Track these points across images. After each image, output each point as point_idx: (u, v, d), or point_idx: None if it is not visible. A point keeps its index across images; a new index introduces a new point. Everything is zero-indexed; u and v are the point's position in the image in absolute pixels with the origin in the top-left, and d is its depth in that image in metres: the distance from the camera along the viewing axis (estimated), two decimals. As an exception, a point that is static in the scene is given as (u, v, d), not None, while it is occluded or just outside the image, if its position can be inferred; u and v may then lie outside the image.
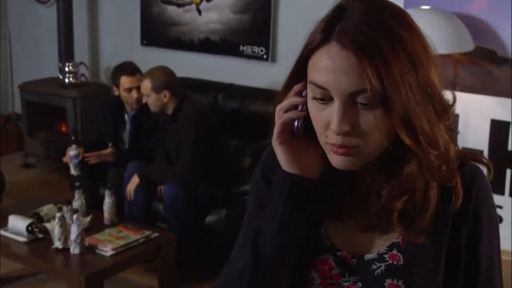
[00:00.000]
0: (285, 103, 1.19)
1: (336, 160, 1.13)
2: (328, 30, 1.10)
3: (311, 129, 1.16)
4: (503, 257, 4.19)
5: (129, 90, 4.58)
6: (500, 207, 4.32)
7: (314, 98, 1.13)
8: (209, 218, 4.25)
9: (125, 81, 4.58)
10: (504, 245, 4.56)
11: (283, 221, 1.19)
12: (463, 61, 4.27)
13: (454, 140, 1.20)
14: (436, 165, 1.12)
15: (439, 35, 3.87)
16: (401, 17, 1.11)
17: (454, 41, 3.95)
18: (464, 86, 4.32)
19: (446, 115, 1.14)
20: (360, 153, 1.11)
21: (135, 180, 4.30)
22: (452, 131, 1.19)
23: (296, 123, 1.18)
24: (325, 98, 1.11)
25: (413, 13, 3.99)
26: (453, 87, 4.32)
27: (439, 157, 1.12)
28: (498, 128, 4.27)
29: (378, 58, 1.05)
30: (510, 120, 4.22)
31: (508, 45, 4.13)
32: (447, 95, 1.18)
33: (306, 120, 1.16)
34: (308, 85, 1.14)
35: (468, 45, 4.00)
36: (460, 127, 4.37)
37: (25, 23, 6.66)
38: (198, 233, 4.24)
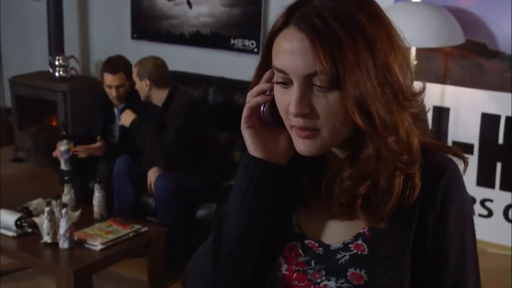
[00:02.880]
0: (254, 89, 1.22)
1: (299, 144, 1.15)
2: (289, 15, 1.13)
3: (279, 117, 1.18)
4: (492, 250, 4.19)
5: (109, 87, 4.57)
6: (491, 200, 4.33)
7: (277, 82, 1.15)
8: (199, 212, 4.25)
9: (107, 78, 4.56)
10: (495, 238, 4.60)
11: (246, 204, 1.20)
12: (454, 55, 4.28)
13: (424, 129, 1.21)
14: (395, 151, 1.13)
15: (429, 29, 3.88)
16: (364, 4, 1.13)
17: (445, 34, 3.95)
18: (455, 79, 4.32)
19: (408, 103, 1.14)
20: (321, 136, 1.13)
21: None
22: (420, 119, 1.19)
23: (262, 108, 1.20)
24: (287, 82, 1.13)
25: (403, 7, 3.99)
26: (444, 80, 4.33)
27: (398, 143, 1.13)
28: (488, 121, 4.28)
29: (332, 40, 1.07)
30: (501, 114, 4.23)
31: (499, 38, 4.13)
32: (417, 85, 1.18)
33: (275, 106, 1.18)
34: (274, 70, 1.16)
35: (459, 38, 3.99)
36: (451, 120, 4.39)
37: (15, 17, 6.63)
38: (189, 227, 4.23)
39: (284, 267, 1.24)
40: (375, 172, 1.15)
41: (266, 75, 1.20)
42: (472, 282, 1.23)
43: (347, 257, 1.20)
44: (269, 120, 1.20)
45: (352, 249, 1.20)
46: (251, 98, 1.21)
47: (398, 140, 1.12)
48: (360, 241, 1.20)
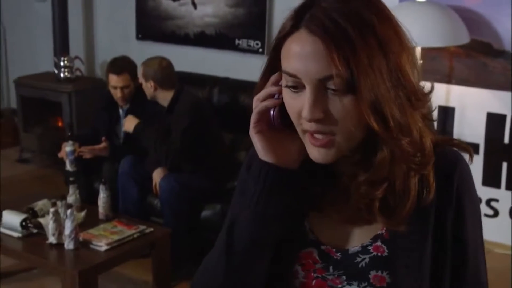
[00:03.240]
0: (261, 93, 1.19)
1: (314, 152, 1.13)
2: (298, 18, 1.10)
3: (289, 120, 1.16)
4: (499, 250, 4.17)
5: (114, 88, 4.58)
6: (496, 200, 4.31)
7: (287, 87, 1.13)
8: (204, 213, 4.25)
9: (111, 79, 4.57)
10: (501, 238, 4.56)
11: (258, 211, 1.18)
12: (459, 54, 4.26)
13: (431, 128, 1.20)
14: (409, 152, 1.12)
15: (434, 28, 3.87)
16: (372, 4, 1.11)
17: (450, 34, 3.94)
18: (460, 79, 4.31)
19: (420, 103, 1.13)
20: (337, 143, 1.11)
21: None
22: (429, 119, 1.18)
23: (272, 112, 1.18)
24: (298, 86, 1.11)
25: (408, 6, 3.99)
26: (449, 80, 4.32)
27: (412, 144, 1.11)
28: (494, 121, 4.27)
29: (345, 43, 1.05)
30: (506, 113, 4.22)
31: (504, 37, 4.12)
32: (425, 85, 1.17)
33: (284, 110, 1.16)
34: (283, 75, 1.14)
35: (464, 38, 3.99)
36: (456, 120, 4.37)
37: (20, 18, 6.64)
38: (193, 228, 4.23)
39: (302, 274, 1.23)
40: (390, 175, 1.14)
41: (273, 78, 1.18)
42: (483, 268, 1.26)
43: (367, 259, 1.19)
44: (279, 124, 1.18)
45: (371, 251, 1.19)
46: (259, 103, 1.18)
47: (412, 142, 1.11)
48: (379, 243, 1.19)
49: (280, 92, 1.16)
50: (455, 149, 1.22)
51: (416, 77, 1.13)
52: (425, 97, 1.15)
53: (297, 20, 1.10)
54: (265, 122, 1.19)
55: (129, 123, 4.44)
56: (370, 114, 1.07)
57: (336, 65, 1.04)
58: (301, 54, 1.08)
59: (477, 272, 1.24)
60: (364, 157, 1.16)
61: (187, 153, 4.25)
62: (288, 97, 1.13)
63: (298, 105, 1.11)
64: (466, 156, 1.23)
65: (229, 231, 1.21)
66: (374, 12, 1.09)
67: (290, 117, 1.15)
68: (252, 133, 1.19)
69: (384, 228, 1.19)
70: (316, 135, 1.11)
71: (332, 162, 1.14)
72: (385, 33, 1.08)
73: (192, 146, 4.24)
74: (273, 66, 1.18)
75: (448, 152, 1.21)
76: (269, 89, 1.18)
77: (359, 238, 1.21)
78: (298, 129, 1.14)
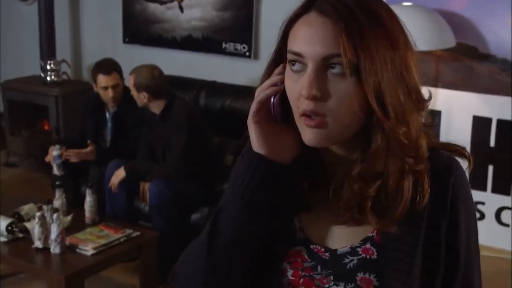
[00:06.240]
0: (264, 84, 1.20)
1: (307, 134, 1.13)
2: (309, 2, 1.14)
3: (288, 113, 1.17)
4: (484, 253, 4.17)
5: (105, 88, 4.55)
6: (482, 203, 4.33)
7: (290, 62, 1.14)
8: (192, 216, 4.24)
9: (101, 79, 4.55)
10: (487, 241, 4.57)
11: (244, 200, 1.18)
12: (445, 58, 4.28)
13: (430, 134, 1.21)
14: (404, 144, 1.12)
15: (421, 32, 3.88)
16: (382, 2, 1.14)
17: (436, 37, 3.96)
18: (446, 82, 4.33)
19: (420, 105, 1.15)
20: (328, 125, 1.11)
21: (120, 174, 4.27)
22: (425, 125, 1.19)
23: (272, 100, 1.18)
24: (300, 63, 1.12)
25: (394, 10, 3.97)
26: (435, 83, 4.33)
27: (408, 137, 1.12)
28: (480, 124, 4.29)
29: (355, 27, 1.08)
30: (492, 117, 4.24)
31: (489, 41, 4.14)
32: (424, 91, 1.18)
33: (284, 102, 1.17)
34: (288, 55, 1.15)
35: (450, 41, 4.00)
36: (443, 123, 4.39)
37: (6, 21, 6.61)
38: (182, 232, 4.22)
39: (290, 272, 1.23)
40: (384, 171, 1.14)
41: (277, 70, 1.19)
42: (477, 278, 1.25)
43: (355, 261, 1.19)
44: (277, 113, 1.19)
45: (360, 253, 1.19)
46: (261, 93, 1.19)
47: (408, 134, 1.12)
48: (368, 245, 1.19)
49: (282, 81, 1.17)
50: (452, 155, 1.22)
51: (418, 79, 1.16)
52: (425, 101, 1.17)
53: (308, 4, 1.13)
54: (264, 113, 1.19)
55: (118, 174, 4.31)
56: (373, 97, 1.09)
57: (343, 45, 1.07)
58: (309, 34, 1.11)
59: (469, 281, 1.23)
60: (360, 157, 1.17)
61: (187, 167, 4.23)
62: (290, 80, 1.15)
63: (299, 87, 1.12)
64: (464, 163, 1.23)
65: (215, 218, 1.22)
66: (384, 9, 1.13)
67: (290, 102, 1.15)
68: (250, 122, 1.19)
69: (375, 231, 1.19)
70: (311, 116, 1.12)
71: (323, 146, 1.15)
72: (393, 29, 1.12)
73: (191, 159, 4.23)
74: (278, 59, 1.20)
75: (444, 158, 1.21)
76: (271, 79, 1.19)
77: (349, 239, 1.21)
78: (296, 115, 1.15)
